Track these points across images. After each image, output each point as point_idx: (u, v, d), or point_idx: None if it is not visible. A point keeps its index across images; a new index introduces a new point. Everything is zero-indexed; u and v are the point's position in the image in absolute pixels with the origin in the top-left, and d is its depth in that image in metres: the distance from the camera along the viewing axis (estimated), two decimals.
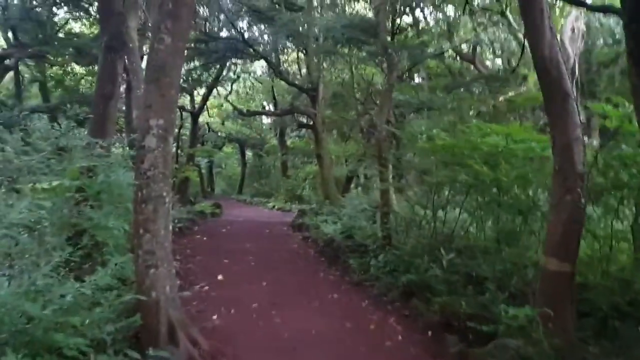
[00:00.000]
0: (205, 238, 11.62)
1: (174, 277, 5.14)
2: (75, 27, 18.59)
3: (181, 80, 22.28)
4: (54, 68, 20.86)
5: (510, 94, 12.70)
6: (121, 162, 6.58)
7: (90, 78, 20.85)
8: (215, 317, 5.97)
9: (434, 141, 7.72)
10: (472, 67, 17.86)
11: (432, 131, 8.34)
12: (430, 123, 8.51)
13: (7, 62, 14.94)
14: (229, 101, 24.53)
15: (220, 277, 7.79)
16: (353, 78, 21.69)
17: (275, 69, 19.09)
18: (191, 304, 6.37)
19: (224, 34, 18.41)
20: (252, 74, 28.93)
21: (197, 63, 21.48)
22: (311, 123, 18.99)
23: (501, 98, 11.20)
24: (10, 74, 20.41)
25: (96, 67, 10.61)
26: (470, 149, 7.41)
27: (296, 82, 19.75)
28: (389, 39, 11.69)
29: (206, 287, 7.20)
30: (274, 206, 24.76)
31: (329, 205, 17.76)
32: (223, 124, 32.34)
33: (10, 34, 14.21)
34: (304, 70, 23.41)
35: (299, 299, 6.84)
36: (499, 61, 19.51)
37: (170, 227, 5.08)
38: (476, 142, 7.33)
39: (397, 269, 7.45)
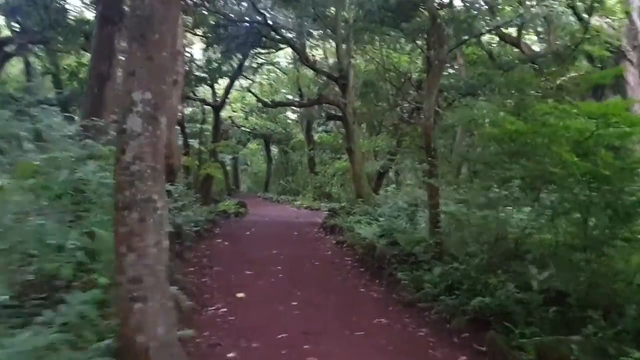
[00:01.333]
0: (226, 243, 10.27)
1: (172, 312, 3.72)
2: (90, 15, 17.48)
3: (184, 66, 21.17)
4: (69, 59, 19.91)
5: (572, 74, 11.00)
6: (107, 154, 5.18)
7: None
8: (232, 355, 4.56)
9: (501, 126, 6.15)
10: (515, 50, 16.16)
11: (495, 115, 6.76)
12: (492, 106, 6.90)
13: (7, 49, 13.84)
14: (251, 92, 23.16)
15: (241, 294, 6.38)
16: (384, 66, 20.20)
17: (301, 55, 17.62)
18: (202, 334, 4.98)
19: (245, 17, 16.97)
20: (276, 65, 27.53)
21: (217, 54, 20.26)
22: (340, 114, 17.47)
23: (570, 75, 9.55)
24: (22, 65, 19.56)
25: None
26: (550, 135, 5.85)
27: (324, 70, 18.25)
28: None
29: (223, 310, 5.80)
30: (301, 204, 23.39)
31: (362, 203, 16.28)
32: (247, 118, 31.06)
33: (12, 19, 13.11)
34: (331, 60, 21.97)
35: (337, 326, 5.37)
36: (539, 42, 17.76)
37: (167, 243, 3.66)
38: (559, 125, 5.74)
39: (459, 286, 5.93)
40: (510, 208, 8.13)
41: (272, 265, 7.97)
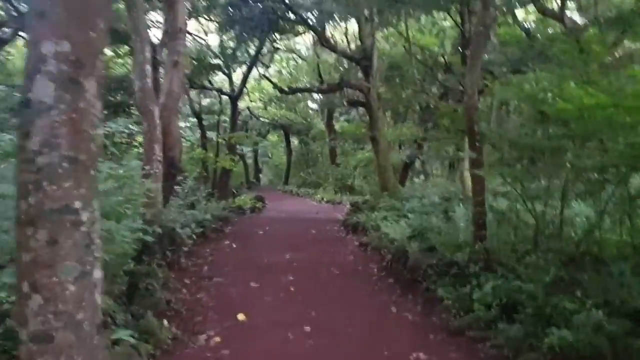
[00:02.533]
0: (234, 245, 9.03)
1: None
2: None
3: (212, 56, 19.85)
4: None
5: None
6: None
7: (121, 61, 18.78)
8: None
9: (572, 100, 4.72)
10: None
11: (560, 88, 5.33)
12: (556, 76, 5.45)
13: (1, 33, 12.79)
14: (267, 78, 21.87)
15: (241, 316, 5.12)
16: (410, 46, 18.69)
17: (319, 36, 16.23)
18: None
19: None
20: (295, 51, 26.20)
21: (232, 41, 18.99)
22: (364, 100, 16.05)
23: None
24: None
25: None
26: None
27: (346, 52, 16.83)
28: None
29: (216, 339, 4.54)
30: (322, 198, 22.10)
31: (387, 197, 14.90)
32: (265, 108, 29.83)
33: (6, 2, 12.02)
34: (352, 46, 20.50)
35: None
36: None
37: (99, 275, 2.38)
38: None
39: (520, 308, 4.56)
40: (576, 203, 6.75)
41: (284, 274, 6.69)
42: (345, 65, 22.22)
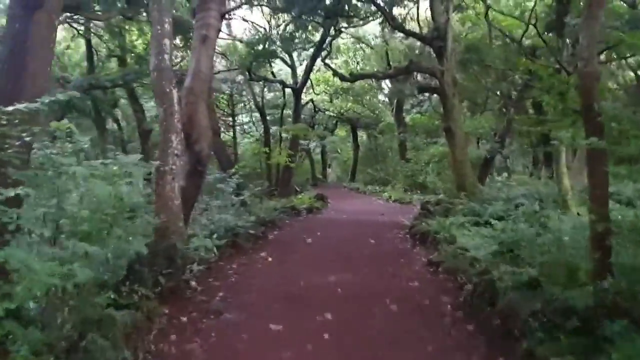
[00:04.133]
0: (271, 258, 7.34)
1: None
2: None
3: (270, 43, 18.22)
4: (136, 42, 18.13)
5: None
6: None
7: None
8: None
9: None
10: None
11: None
12: None
13: None
14: (327, 65, 20.13)
15: None
16: (490, 28, 16.26)
17: (386, 15, 14.22)
18: None
19: None
20: (362, 39, 24.27)
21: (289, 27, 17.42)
22: (436, 85, 13.89)
23: None
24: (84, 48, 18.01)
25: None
26: None
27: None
28: None
29: None
30: (390, 197, 20.10)
31: (465, 198, 12.71)
32: (331, 101, 28.12)
33: None
34: (425, 31, 18.25)
35: None
36: None
37: None
38: None
39: None
40: None
41: (321, 309, 4.88)
42: (417, 52, 20.08)
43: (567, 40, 10.04)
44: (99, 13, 11.74)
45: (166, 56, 6.77)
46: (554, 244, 6.20)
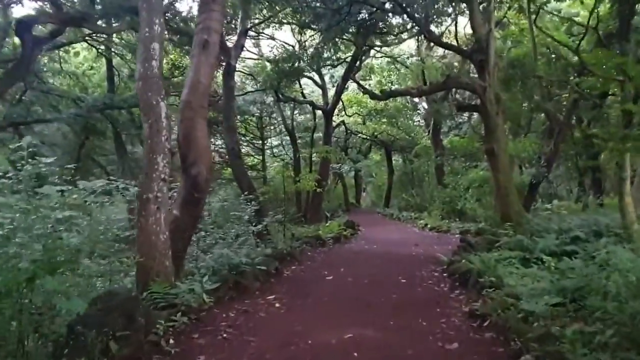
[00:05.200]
0: (278, 304, 6.09)
1: None
2: None
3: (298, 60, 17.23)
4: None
5: None
6: None
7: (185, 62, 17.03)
8: None
9: None
10: None
11: None
12: None
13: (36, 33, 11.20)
14: (356, 81, 19.00)
15: None
16: (535, 43, 14.84)
17: (422, 28, 13.03)
18: None
19: None
20: (396, 57, 23.12)
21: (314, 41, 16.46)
22: (478, 103, 12.54)
23: None
24: (104, 68, 17.51)
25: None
26: None
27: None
28: None
29: None
30: (425, 224, 18.62)
31: (510, 228, 11.21)
32: (364, 123, 26.93)
33: None
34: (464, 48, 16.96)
35: None
36: None
37: None
38: None
39: None
40: None
41: None
42: (455, 71, 18.76)
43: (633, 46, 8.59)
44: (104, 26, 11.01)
45: (154, 63, 5.76)
46: (628, 290, 4.79)
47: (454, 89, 17.33)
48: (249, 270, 6.88)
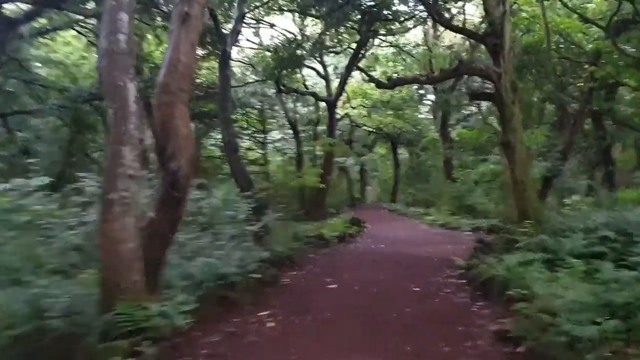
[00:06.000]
0: (272, 323, 5.20)
1: None
2: None
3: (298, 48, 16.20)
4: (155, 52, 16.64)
5: None
6: None
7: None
8: None
9: None
10: None
11: None
12: None
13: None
14: (360, 69, 18.06)
15: None
16: (548, 32, 13.85)
17: (430, 10, 12.05)
18: None
19: None
20: (401, 46, 22.12)
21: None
22: (491, 90, 11.57)
23: None
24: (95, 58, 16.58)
25: None
26: None
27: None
28: None
29: None
30: (435, 220, 17.72)
31: (530, 226, 10.25)
32: (369, 115, 25.97)
33: None
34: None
35: None
36: None
37: None
38: None
39: None
40: None
41: None
42: (465, 54, 17.77)
43: None
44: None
45: (122, 36, 4.83)
46: None
47: (464, 77, 16.33)
48: (240, 280, 5.98)
